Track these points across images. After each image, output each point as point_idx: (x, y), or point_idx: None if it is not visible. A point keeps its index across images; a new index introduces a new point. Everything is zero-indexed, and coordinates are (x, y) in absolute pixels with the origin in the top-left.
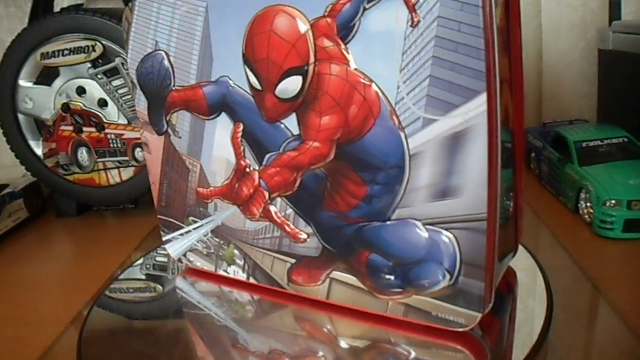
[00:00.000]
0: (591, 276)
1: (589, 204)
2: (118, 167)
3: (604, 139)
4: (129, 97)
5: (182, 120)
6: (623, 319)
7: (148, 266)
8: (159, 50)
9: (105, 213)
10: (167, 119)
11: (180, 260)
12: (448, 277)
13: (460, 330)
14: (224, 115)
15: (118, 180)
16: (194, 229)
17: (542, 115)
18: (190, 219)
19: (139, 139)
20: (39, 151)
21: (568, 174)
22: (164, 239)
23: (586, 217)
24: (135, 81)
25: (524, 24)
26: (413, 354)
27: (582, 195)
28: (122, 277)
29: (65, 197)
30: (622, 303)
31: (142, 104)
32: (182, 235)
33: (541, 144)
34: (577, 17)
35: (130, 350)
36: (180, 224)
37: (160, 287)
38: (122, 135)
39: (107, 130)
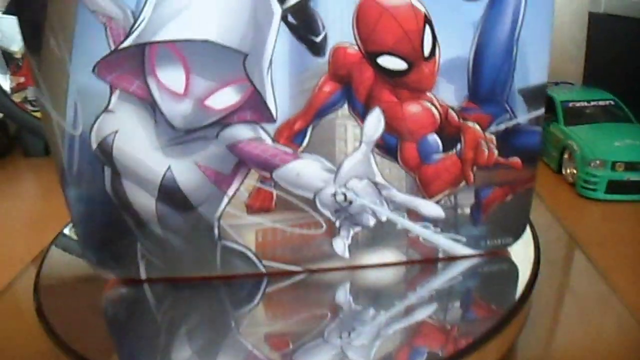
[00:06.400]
0: (574, 235)
1: (572, 164)
2: None
3: (590, 100)
4: None
5: None
6: (604, 277)
7: None
8: None
9: None
10: None
11: None
12: None
13: None
14: None
15: None
16: None
17: None
18: None
19: None
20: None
21: (553, 133)
22: None
23: (569, 177)
24: None
25: None
26: None
27: (566, 155)
28: None
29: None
30: (604, 260)
31: None
32: None
33: None
34: None
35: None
36: None
37: None
38: None
39: None
